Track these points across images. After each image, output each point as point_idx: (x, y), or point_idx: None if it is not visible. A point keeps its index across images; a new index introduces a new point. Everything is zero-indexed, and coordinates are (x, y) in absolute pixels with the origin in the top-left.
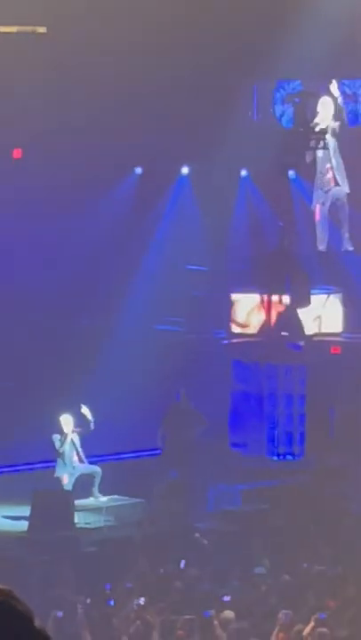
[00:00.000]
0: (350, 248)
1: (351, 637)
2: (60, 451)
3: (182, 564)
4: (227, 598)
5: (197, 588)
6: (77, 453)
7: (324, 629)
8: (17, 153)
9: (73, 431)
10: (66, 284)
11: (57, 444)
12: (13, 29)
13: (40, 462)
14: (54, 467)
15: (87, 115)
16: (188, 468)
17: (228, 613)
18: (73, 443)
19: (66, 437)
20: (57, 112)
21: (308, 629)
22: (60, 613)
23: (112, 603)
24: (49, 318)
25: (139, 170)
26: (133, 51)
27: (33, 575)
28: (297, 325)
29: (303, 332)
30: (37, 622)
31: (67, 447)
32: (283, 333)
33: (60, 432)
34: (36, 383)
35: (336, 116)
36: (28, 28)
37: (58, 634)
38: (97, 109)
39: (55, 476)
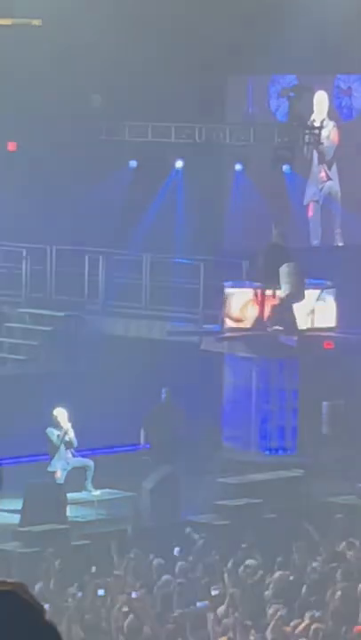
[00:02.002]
0: (340, 243)
1: (345, 633)
2: (59, 445)
3: (176, 551)
4: (215, 592)
5: (189, 581)
6: (71, 447)
7: (318, 625)
8: (12, 146)
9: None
10: (59, 278)
11: (54, 439)
12: (9, 22)
13: (31, 455)
14: (45, 460)
15: (83, 108)
16: (177, 463)
17: (221, 607)
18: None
19: (67, 432)
20: (53, 106)
21: (302, 625)
22: (46, 606)
23: (102, 593)
24: (42, 309)
25: (133, 163)
26: (130, 44)
27: (25, 568)
28: (291, 320)
29: (296, 326)
30: (47, 616)
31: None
32: (276, 328)
33: (57, 426)
34: (28, 376)
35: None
36: (24, 21)
37: None
38: (92, 102)
39: (49, 469)
